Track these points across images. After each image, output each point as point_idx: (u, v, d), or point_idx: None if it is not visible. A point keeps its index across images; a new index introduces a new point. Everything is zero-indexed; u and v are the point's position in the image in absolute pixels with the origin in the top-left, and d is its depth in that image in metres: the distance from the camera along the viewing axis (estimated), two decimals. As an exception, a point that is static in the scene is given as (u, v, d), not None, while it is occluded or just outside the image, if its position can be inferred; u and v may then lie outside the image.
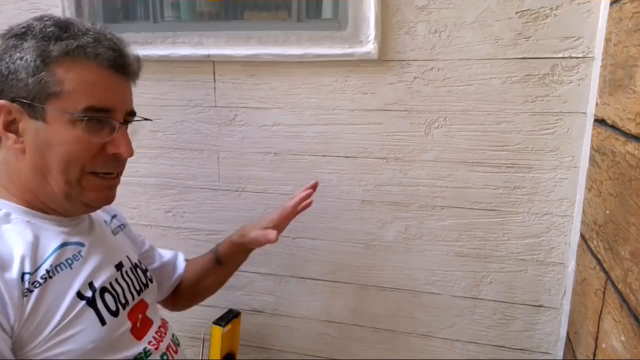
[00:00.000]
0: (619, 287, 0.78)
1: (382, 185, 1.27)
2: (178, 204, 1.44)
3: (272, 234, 1.03)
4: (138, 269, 1.00)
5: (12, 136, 0.79)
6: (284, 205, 1.09)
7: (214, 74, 1.31)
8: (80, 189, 0.82)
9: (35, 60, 0.76)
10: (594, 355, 0.90)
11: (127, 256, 0.98)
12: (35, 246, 0.79)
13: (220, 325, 0.98)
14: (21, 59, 0.77)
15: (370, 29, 1.16)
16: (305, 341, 1.45)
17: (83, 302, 0.81)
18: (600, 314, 0.88)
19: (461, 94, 1.15)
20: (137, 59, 0.87)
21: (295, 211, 1.09)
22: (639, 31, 0.77)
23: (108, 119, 0.82)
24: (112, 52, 0.81)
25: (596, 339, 0.89)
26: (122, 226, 1.07)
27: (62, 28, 0.79)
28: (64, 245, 0.83)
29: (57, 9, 1.36)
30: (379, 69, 1.19)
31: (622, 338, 0.75)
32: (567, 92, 1.09)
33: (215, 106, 1.33)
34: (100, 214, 1.01)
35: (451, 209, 1.23)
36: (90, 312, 0.82)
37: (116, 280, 0.90)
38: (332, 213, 1.32)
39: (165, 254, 1.19)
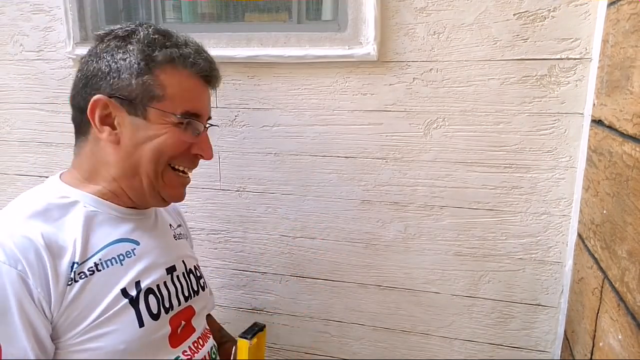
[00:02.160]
0: (616, 286, 0.79)
1: (382, 185, 1.28)
2: (179, 203, 1.44)
3: None
4: (192, 275, 1.02)
5: (107, 129, 0.84)
6: None
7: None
8: (163, 183, 0.89)
9: (139, 63, 0.83)
10: (592, 354, 0.91)
11: (183, 261, 1.00)
12: (89, 237, 0.83)
13: (246, 338, 0.99)
14: (124, 59, 0.83)
15: (370, 31, 1.16)
16: (305, 340, 1.46)
17: (126, 301, 0.83)
18: (598, 312, 0.88)
19: (460, 95, 1.16)
20: (219, 73, 0.95)
21: None
22: (636, 32, 0.78)
23: (198, 123, 0.89)
24: (208, 65, 0.89)
25: (593, 337, 0.90)
26: (185, 236, 1.11)
27: (165, 37, 0.86)
28: (119, 241, 0.86)
29: (60, 10, 1.36)
30: (378, 70, 1.20)
31: (619, 337, 0.76)
32: (564, 93, 1.10)
33: (216, 107, 1.34)
34: (169, 217, 1.07)
35: (450, 208, 1.24)
36: (131, 311, 0.83)
37: (165, 283, 0.92)
38: (332, 213, 1.33)
39: None
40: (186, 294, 0.97)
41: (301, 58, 1.23)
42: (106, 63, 0.83)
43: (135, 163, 0.86)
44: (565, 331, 1.17)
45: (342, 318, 1.41)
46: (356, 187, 1.29)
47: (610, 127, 0.88)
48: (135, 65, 0.83)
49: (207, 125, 0.93)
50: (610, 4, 0.96)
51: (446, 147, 1.20)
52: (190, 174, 0.94)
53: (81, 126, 0.88)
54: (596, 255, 0.92)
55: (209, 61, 0.90)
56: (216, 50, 1.29)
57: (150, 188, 0.88)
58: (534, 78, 1.11)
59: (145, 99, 0.84)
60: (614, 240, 0.82)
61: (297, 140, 1.31)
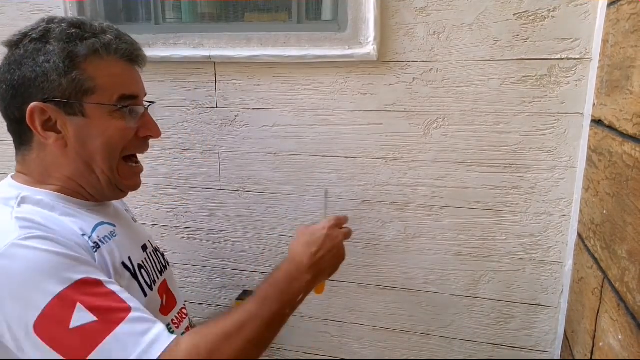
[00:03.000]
0: (616, 286, 0.79)
1: (382, 185, 1.28)
2: (179, 203, 1.45)
3: None
4: (158, 252, 1.06)
5: (52, 134, 0.83)
6: None
7: (215, 75, 1.32)
8: (119, 176, 0.90)
9: (64, 62, 0.81)
10: (592, 354, 0.91)
11: (149, 240, 1.04)
12: (78, 222, 0.83)
13: (243, 300, 1.05)
14: (48, 61, 0.81)
15: (370, 31, 1.16)
16: (305, 339, 1.46)
17: (129, 274, 0.87)
18: (598, 312, 0.88)
19: (460, 95, 1.16)
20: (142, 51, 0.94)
21: None
22: (636, 32, 0.78)
23: (137, 105, 0.89)
24: (131, 47, 0.88)
25: (593, 337, 0.90)
26: (134, 219, 1.12)
27: (82, 28, 0.84)
28: (100, 224, 0.88)
29: (60, 10, 1.36)
30: (378, 70, 1.20)
31: (619, 337, 0.76)
32: (564, 93, 1.10)
33: (216, 107, 1.34)
34: (119, 204, 1.07)
35: (450, 208, 1.24)
36: (135, 283, 0.87)
37: (144, 260, 0.96)
38: (332, 213, 1.32)
39: None
40: (159, 269, 1.01)
41: (301, 58, 1.23)
42: (30, 69, 0.81)
43: (87, 161, 0.86)
44: (565, 331, 1.17)
45: (342, 318, 1.41)
46: (356, 187, 1.29)
47: (610, 127, 0.88)
48: (61, 65, 0.81)
49: (147, 106, 0.93)
50: (610, 4, 0.96)
51: (446, 147, 1.20)
52: (140, 163, 0.96)
53: (21, 136, 0.87)
54: (596, 255, 0.92)
55: (131, 43, 0.89)
56: (216, 50, 1.29)
57: (108, 183, 0.89)
58: (534, 78, 1.11)
59: (78, 95, 0.83)
60: (614, 240, 0.82)
61: (297, 140, 1.31)
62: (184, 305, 1.07)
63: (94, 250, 0.80)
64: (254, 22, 1.33)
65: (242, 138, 1.35)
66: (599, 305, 0.88)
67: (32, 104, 0.81)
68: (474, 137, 1.18)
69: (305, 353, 1.47)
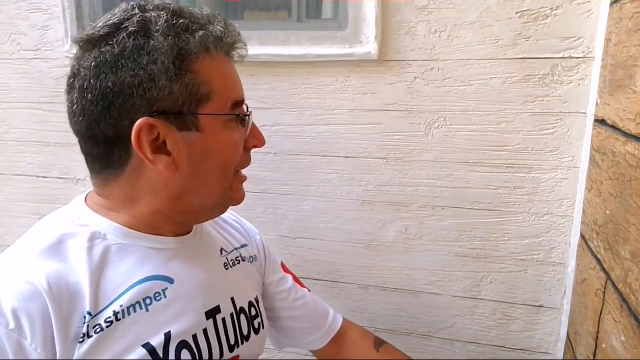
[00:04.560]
0: (619, 287, 0.78)
1: (382, 185, 1.27)
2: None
3: None
4: (242, 315, 0.81)
5: (162, 157, 0.66)
6: None
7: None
8: (231, 192, 0.74)
9: (174, 62, 0.64)
10: (594, 355, 0.90)
11: (232, 298, 0.80)
12: (108, 277, 0.65)
13: None
14: (155, 62, 0.63)
15: (370, 29, 1.16)
16: (305, 341, 1.45)
17: (150, 358, 0.65)
18: (600, 314, 0.88)
19: (461, 94, 1.16)
20: None
21: None
22: (639, 31, 0.77)
23: (244, 111, 0.75)
24: (239, 40, 0.73)
25: (596, 339, 0.89)
26: (251, 258, 0.91)
27: (187, 18, 0.66)
28: (147, 279, 0.68)
29: (57, 8, 1.36)
30: (379, 68, 1.19)
31: (622, 338, 0.75)
32: (567, 92, 1.09)
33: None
34: (224, 238, 0.87)
35: (451, 209, 1.24)
36: None
37: (204, 331, 0.73)
38: (332, 213, 1.32)
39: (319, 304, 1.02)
40: (232, 342, 0.77)
41: (301, 57, 1.22)
42: (131, 72, 0.63)
43: (199, 185, 0.70)
44: (567, 332, 1.16)
45: (342, 319, 1.40)
46: (356, 187, 1.29)
47: (613, 127, 0.87)
48: (171, 66, 0.63)
49: (250, 111, 0.77)
50: (612, 3, 0.95)
51: (447, 146, 1.19)
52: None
53: (111, 159, 0.68)
54: (599, 256, 0.92)
55: (238, 34, 0.73)
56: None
57: (215, 205, 0.75)
58: (537, 77, 1.10)
59: (193, 105, 0.66)
60: (617, 241, 0.81)
61: (297, 139, 1.30)
62: None
63: (81, 339, 0.60)
64: (253, 21, 1.33)
65: (241, 137, 1.34)
66: (602, 307, 0.87)
67: (140, 120, 0.62)
68: (475, 136, 1.17)
69: (306, 354, 1.46)
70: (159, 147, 0.65)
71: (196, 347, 0.70)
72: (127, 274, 0.67)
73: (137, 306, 0.66)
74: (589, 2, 1.04)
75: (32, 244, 0.65)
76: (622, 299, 0.77)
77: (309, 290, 1.02)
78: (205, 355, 0.71)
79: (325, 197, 1.32)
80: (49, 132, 1.47)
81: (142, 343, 0.64)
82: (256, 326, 0.84)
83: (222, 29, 0.68)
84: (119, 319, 0.63)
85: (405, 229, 1.28)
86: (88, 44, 0.67)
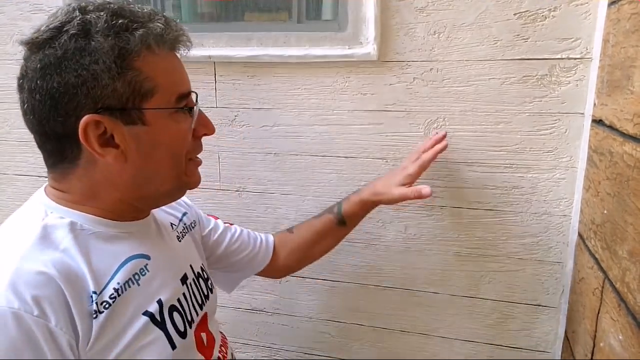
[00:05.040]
0: (617, 286, 0.79)
1: (382, 185, 1.27)
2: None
3: (425, 189, 1.01)
4: (200, 279, 0.92)
5: (110, 150, 0.71)
6: (421, 159, 1.08)
7: (215, 74, 1.32)
8: (186, 177, 0.80)
9: (115, 61, 0.67)
10: (592, 354, 0.91)
11: (191, 265, 0.91)
12: (98, 261, 0.71)
13: None
14: (96, 62, 0.67)
15: (370, 30, 1.16)
16: (305, 340, 1.45)
17: (152, 324, 0.74)
18: (598, 313, 0.88)
19: (460, 95, 1.16)
20: None
21: (429, 164, 1.09)
22: (637, 32, 0.78)
23: (192, 102, 0.79)
24: (180, 35, 0.76)
25: (594, 337, 0.90)
26: (192, 224, 1.02)
27: (126, 17, 0.69)
28: (130, 259, 0.76)
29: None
30: (378, 69, 1.20)
31: (620, 337, 0.76)
32: (565, 93, 1.10)
33: (216, 107, 1.34)
34: (168, 215, 0.96)
35: (450, 208, 1.24)
36: (160, 335, 0.75)
37: (184, 295, 0.84)
38: (332, 213, 1.33)
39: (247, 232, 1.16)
40: (200, 302, 0.89)
41: (301, 58, 1.23)
42: (74, 73, 0.67)
43: (150, 175, 0.76)
44: (565, 331, 1.17)
45: (341, 318, 1.41)
46: (356, 187, 1.29)
47: (611, 127, 0.87)
48: (113, 65, 0.67)
49: (197, 101, 0.81)
50: (610, 4, 0.95)
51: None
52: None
53: (63, 154, 0.73)
54: (597, 256, 0.92)
55: (180, 29, 0.76)
56: (216, 50, 1.29)
57: (171, 191, 0.81)
58: (535, 78, 1.11)
59: (137, 100, 0.70)
60: (614, 241, 0.82)
61: (297, 140, 1.31)
62: (222, 336, 0.95)
63: (95, 316, 0.67)
64: (253, 22, 1.33)
65: (241, 138, 1.35)
66: (600, 306, 0.88)
67: (86, 117, 0.67)
68: (474, 137, 1.18)
69: (305, 353, 1.47)
70: (107, 141, 0.70)
71: (182, 309, 0.81)
72: (112, 257, 0.74)
73: (130, 282, 0.74)
74: (587, 3, 1.04)
75: (21, 240, 0.69)
76: (619, 298, 0.77)
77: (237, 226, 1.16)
78: (189, 315, 0.82)
79: (325, 197, 1.32)
80: (50, 132, 1.47)
81: (143, 312, 0.73)
82: (210, 287, 0.96)
83: (163, 26, 0.72)
84: (120, 295, 0.71)
85: (404, 229, 1.29)
86: (33, 46, 0.71)
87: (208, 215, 1.13)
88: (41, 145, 0.75)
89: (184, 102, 0.76)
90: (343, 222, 1.14)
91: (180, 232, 0.95)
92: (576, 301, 1.08)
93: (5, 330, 0.59)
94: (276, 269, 1.18)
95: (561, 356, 1.20)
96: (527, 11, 1.08)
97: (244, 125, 1.34)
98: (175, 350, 0.76)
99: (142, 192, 0.77)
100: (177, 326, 0.78)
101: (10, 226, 0.74)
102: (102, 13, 0.68)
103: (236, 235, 1.13)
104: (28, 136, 1.52)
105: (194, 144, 0.80)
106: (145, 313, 0.74)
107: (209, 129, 0.82)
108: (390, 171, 1.16)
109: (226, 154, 1.37)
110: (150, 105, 0.71)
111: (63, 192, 0.76)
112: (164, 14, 0.75)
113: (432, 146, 1.10)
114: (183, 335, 0.79)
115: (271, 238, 1.18)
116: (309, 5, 1.28)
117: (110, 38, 0.67)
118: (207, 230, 1.09)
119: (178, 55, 0.78)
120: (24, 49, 0.73)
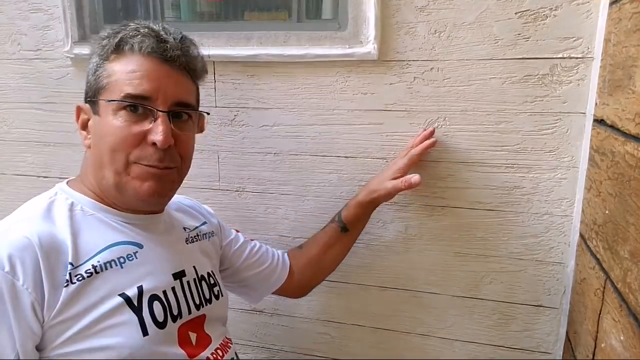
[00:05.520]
0: (618, 286, 0.79)
1: (382, 185, 1.27)
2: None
3: (414, 178, 1.05)
4: (203, 282, 0.96)
5: (84, 133, 0.87)
6: (409, 153, 1.12)
7: (214, 74, 1.32)
8: (128, 177, 0.83)
9: (97, 61, 0.84)
10: (594, 355, 0.90)
11: (195, 266, 0.95)
12: (86, 239, 0.79)
13: None
14: (92, 62, 0.85)
15: (370, 29, 1.16)
16: (305, 341, 1.45)
17: (126, 306, 0.79)
18: (600, 313, 0.88)
19: (461, 94, 1.16)
20: (188, 52, 0.87)
21: (419, 159, 1.13)
22: (638, 31, 0.77)
23: (148, 107, 0.81)
24: (149, 39, 0.82)
25: (595, 338, 0.89)
26: (210, 234, 1.07)
27: (116, 29, 0.84)
28: (119, 243, 0.83)
29: (58, 9, 1.36)
30: (378, 69, 1.20)
31: (622, 337, 0.75)
32: (566, 93, 1.09)
33: (215, 106, 1.34)
34: (185, 219, 1.03)
35: (451, 209, 1.24)
36: (132, 318, 0.79)
37: (173, 289, 0.87)
38: (332, 213, 1.32)
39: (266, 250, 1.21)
40: (197, 302, 0.92)
41: (301, 57, 1.22)
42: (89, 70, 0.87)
43: (98, 163, 0.84)
44: (567, 332, 1.16)
45: (342, 319, 1.40)
46: (356, 187, 1.29)
47: (613, 127, 0.87)
48: (94, 64, 0.84)
49: (166, 111, 0.82)
50: (612, 3, 0.95)
51: (447, 146, 1.19)
52: (168, 167, 0.85)
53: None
54: (598, 256, 0.92)
55: (150, 35, 0.82)
56: (215, 49, 1.28)
57: (117, 189, 0.83)
58: (536, 77, 1.10)
59: (96, 93, 0.83)
60: (616, 241, 0.81)
61: (297, 140, 1.30)
62: (224, 341, 0.97)
63: (66, 284, 0.74)
64: (253, 21, 1.33)
65: (241, 138, 1.34)
66: (601, 306, 0.87)
67: (78, 103, 0.86)
68: (475, 136, 1.17)
69: (306, 354, 1.46)
70: (86, 126, 0.87)
71: (166, 301, 0.84)
72: (101, 238, 0.82)
73: (112, 263, 0.80)
74: (588, 2, 1.04)
75: (28, 211, 0.82)
76: (621, 298, 0.77)
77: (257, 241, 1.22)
78: (174, 309, 0.86)
79: (325, 197, 1.32)
80: (49, 132, 1.47)
81: (119, 293, 0.78)
82: (216, 293, 0.99)
83: (137, 34, 0.82)
84: (98, 272, 0.77)
85: (404, 229, 1.28)
86: None
87: (231, 228, 1.20)
88: None
89: (134, 102, 0.81)
90: (345, 228, 1.17)
91: (192, 237, 1.01)
92: (577, 302, 1.07)
93: None
94: (294, 286, 1.22)
95: (562, 357, 1.20)
96: (528, 10, 1.07)
97: (243, 125, 1.33)
98: (147, 337, 0.79)
99: (99, 181, 0.85)
100: (154, 315, 0.82)
101: (29, 201, 0.86)
102: (126, 26, 0.85)
103: (255, 249, 1.18)
104: (27, 136, 1.54)
105: (143, 148, 0.82)
106: (122, 295, 0.79)
107: (158, 139, 0.81)
108: (383, 170, 1.19)
109: (226, 153, 1.37)
110: (102, 97, 0.82)
111: (80, 176, 0.90)
112: (160, 27, 0.85)
113: (421, 142, 1.14)
114: (161, 325, 0.82)
115: (286, 255, 1.23)
116: (309, 4, 1.28)
117: (103, 41, 0.84)
118: (227, 240, 1.15)
119: (171, 66, 0.84)
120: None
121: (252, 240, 1.21)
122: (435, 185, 1.23)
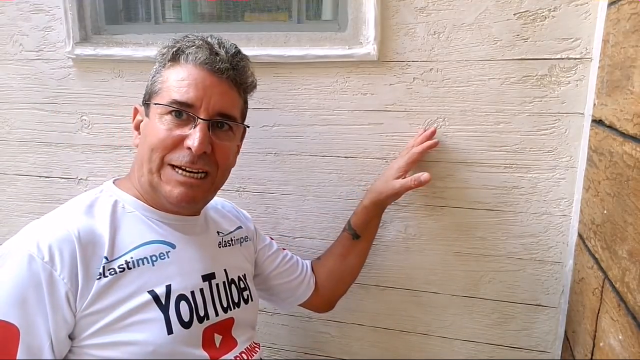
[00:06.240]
0: (617, 286, 0.79)
1: (382, 185, 1.27)
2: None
3: (424, 176, 1.06)
4: (233, 285, 0.98)
5: (135, 133, 0.93)
6: (409, 152, 1.13)
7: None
8: (159, 179, 0.87)
9: (156, 67, 0.91)
10: (592, 354, 0.91)
11: (225, 270, 0.97)
12: (122, 235, 0.83)
13: None
14: (153, 68, 0.93)
15: (370, 30, 1.16)
16: (306, 340, 1.45)
17: (154, 304, 0.81)
18: (598, 313, 0.88)
19: (460, 95, 1.16)
20: (238, 66, 0.92)
21: (420, 157, 1.13)
22: (636, 32, 0.78)
23: (190, 114, 0.86)
24: (203, 51, 0.87)
25: (594, 337, 0.90)
26: (245, 238, 1.10)
27: (176, 39, 0.90)
28: (153, 242, 0.86)
29: (59, 10, 1.36)
30: (378, 69, 1.20)
31: (620, 337, 0.76)
32: (565, 93, 1.10)
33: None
34: (220, 222, 1.06)
35: (450, 208, 1.24)
36: (159, 316, 0.81)
37: (201, 290, 0.89)
38: (332, 213, 1.33)
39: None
40: (224, 305, 0.93)
41: (301, 58, 1.23)
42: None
43: (140, 163, 0.89)
44: (565, 331, 1.17)
45: (342, 318, 1.41)
46: (356, 187, 1.29)
47: (611, 127, 0.88)
48: (154, 70, 0.91)
49: (207, 119, 0.86)
50: (610, 4, 0.96)
51: (446, 147, 1.20)
52: (199, 174, 0.88)
53: None
54: (597, 256, 0.92)
55: (203, 47, 0.88)
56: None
57: (152, 187, 0.88)
58: (535, 78, 1.11)
59: (151, 96, 0.89)
60: (614, 241, 0.82)
61: (297, 140, 1.31)
62: (251, 346, 0.98)
63: (99, 277, 0.77)
64: (253, 22, 1.33)
65: (242, 138, 1.34)
66: (600, 306, 0.88)
67: (135, 105, 0.94)
68: (474, 137, 1.18)
69: (305, 353, 1.47)
70: (139, 127, 0.93)
71: (193, 302, 0.87)
72: (138, 235, 0.85)
73: (145, 260, 0.83)
74: (586, 3, 1.04)
75: (73, 206, 0.86)
76: (619, 298, 0.77)
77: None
78: (201, 310, 0.88)
79: (325, 197, 1.32)
80: (51, 132, 1.48)
81: (148, 290, 0.81)
82: (245, 297, 1.01)
83: (193, 45, 0.87)
84: (130, 268, 0.81)
85: (404, 229, 1.29)
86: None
87: (266, 235, 1.24)
88: None
89: (178, 108, 0.86)
90: (357, 235, 1.18)
91: (225, 241, 1.03)
92: (576, 301, 1.08)
93: (19, 266, 0.73)
94: (319, 299, 1.24)
95: (561, 356, 1.20)
96: (527, 11, 1.08)
97: (244, 125, 1.33)
98: (172, 335, 0.81)
99: (139, 178, 0.90)
100: (181, 315, 0.84)
101: (76, 197, 0.89)
102: (178, 36, 0.92)
103: (287, 258, 1.21)
104: (28, 136, 1.55)
105: (179, 151, 0.86)
106: (150, 292, 0.81)
107: (193, 143, 0.85)
108: (383, 172, 1.19)
109: (226, 154, 1.37)
110: (153, 101, 0.88)
111: (129, 174, 0.95)
112: (216, 39, 0.91)
113: (422, 142, 1.14)
114: (186, 325, 0.84)
115: (311, 268, 1.25)
116: (309, 5, 1.29)
117: (162, 54, 0.91)
118: (261, 246, 1.18)
119: (219, 78, 0.88)
120: None
121: (283, 249, 1.23)
122: (434, 185, 1.23)
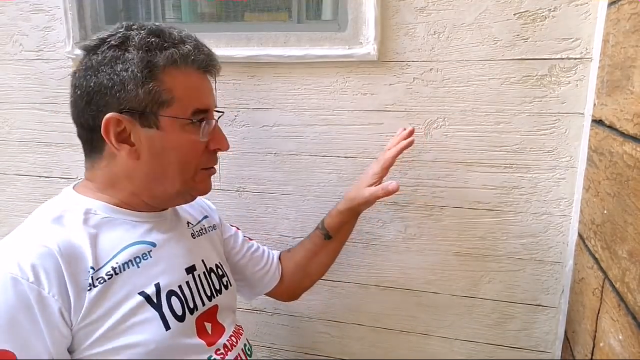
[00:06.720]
0: (617, 286, 0.79)
1: (382, 185, 1.27)
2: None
3: (391, 185, 1.03)
4: (212, 274, 1.00)
5: (125, 147, 0.83)
6: (384, 156, 1.10)
7: (215, 74, 1.32)
8: (194, 183, 0.90)
9: (142, 71, 0.80)
10: (592, 354, 0.91)
11: (203, 260, 0.99)
12: (103, 242, 0.81)
13: None
14: (126, 70, 0.79)
15: (370, 30, 1.16)
16: (305, 340, 1.46)
17: (147, 304, 0.81)
18: (598, 313, 0.88)
19: (460, 95, 1.16)
20: (215, 57, 0.92)
21: (394, 161, 1.10)
22: (636, 32, 0.78)
23: (208, 119, 0.88)
24: (208, 58, 0.88)
25: (594, 337, 0.90)
26: (212, 227, 1.10)
27: (161, 37, 0.83)
28: (134, 244, 0.85)
29: (59, 10, 1.36)
30: (378, 69, 1.20)
31: (620, 337, 0.76)
32: (565, 93, 1.10)
33: (216, 107, 1.34)
34: (188, 214, 1.06)
35: (450, 208, 1.24)
36: (154, 315, 0.82)
37: (187, 283, 0.91)
38: (332, 213, 1.33)
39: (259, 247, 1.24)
40: (208, 294, 0.95)
41: (301, 58, 1.23)
42: (107, 77, 0.80)
43: (159, 175, 0.86)
44: (565, 331, 1.17)
45: (342, 318, 1.41)
46: (356, 187, 1.29)
47: (611, 127, 0.88)
48: (139, 75, 0.79)
49: (217, 117, 0.92)
50: (610, 4, 0.96)
51: (446, 147, 1.20)
52: (214, 167, 0.95)
53: (92, 144, 0.86)
54: (597, 256, 0.92)
55: (208, 54, 0.89)
56: (216, 50, 1.27)
57: (178, 194, 0.90)
58: (535, 78, 1.11)
59: (154, 107, 0.82)
60: (614, 241, 0.82)
61: (297, 140, 1.31)
62: (236, 329, 1.01)
63: (89, 289, 0.76)
64: (253, 22, 1.33)
65: (242, 138, 1.35)
66: (600, 306, 0.88)
67: (109, 115, 0.79)
68: (474, 137, 1.18)
69: (305, 353, 1.47)
70: (125, 139, 0.83)
71: (182, 296, 0.88)
72: (118, 240, 0.83)
73: (130, 264, 0.82)
74: (587, 3, 1.04)
75: (39, 219, 0.82)
76: (619, 298, 0.77)
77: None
78: (190, 302, 0.89)
79: (325, 197, 1.32)
80: (50, 132, 1.48)
81: (138, 292, 0.81)
82: (225, 283, 1.02)
83: (191, 48, 0.84)
84: (117, 273, 0.80)
85: (404, 229, 1.29)
86: (84, 51, 0.85)
87: (231, 225, 1.22)
88: (79, 134, 0.88)
89: (200, 117, 0.86)
90: (328, 235, 1.17)
91: (196, 231, 1.04)
92: (576, 301, 1.08)
93: (4, 291, 0.70)
94: (283, 289, 1.23)
95: (561, 356, 1.20)
96: (527, 11, 1.08)
97: (244, 125, 1.34)
98: (170, 331, 0.82)
99: (153, 190, 0.88)
100: (174, 310, 0.85)
101: (37, 211, 0.86)
102: (142, 31, 0.82)
103: (253, 248, 1.20)
104: (28, 136, 1.55)
105: (207, 155, 0.90)
106: (142, 293, 0.81)
107: (223, 145, 0.91)
108: (359, 177, 1.16)
109: (226, 154, 1.36)
110: (166, 113, 0.82)
111: (89, 180, 0.89)
112: (196, 38, 0.87)
113: (397, 143, 1.10)
114: (180, 318, 0.85)
115: (278, 259, 1.25)
116: (309, 5, 1.29)
117: (141, 52, 0.80)
118: (227, 236, 1.17)
119: (209, 77, 0.91)
120: (80, 51, 0.86)
121: (250, 239, 1.23)
122: (434, 185, 1.23)
